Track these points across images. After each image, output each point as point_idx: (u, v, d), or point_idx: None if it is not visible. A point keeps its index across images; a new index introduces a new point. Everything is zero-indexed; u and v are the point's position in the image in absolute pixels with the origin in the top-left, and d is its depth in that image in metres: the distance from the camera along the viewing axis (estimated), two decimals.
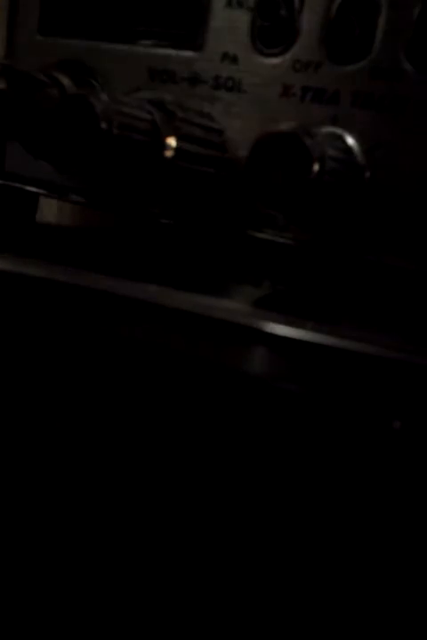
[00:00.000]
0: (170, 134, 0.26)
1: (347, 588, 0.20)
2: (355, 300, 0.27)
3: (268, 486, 0.21)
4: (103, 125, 0.24)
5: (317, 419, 0.20)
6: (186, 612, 0.22)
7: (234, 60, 0.28)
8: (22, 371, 0.24)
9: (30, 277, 0.24)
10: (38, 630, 0.23)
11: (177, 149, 0.26)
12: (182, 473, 0.21)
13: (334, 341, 0.21)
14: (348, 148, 0.26)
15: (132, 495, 0.22)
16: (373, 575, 0.20)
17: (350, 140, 0.26)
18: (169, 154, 0.26)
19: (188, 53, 0.29)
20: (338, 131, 0.26)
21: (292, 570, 0.21)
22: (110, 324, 0.22)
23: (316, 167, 0.24)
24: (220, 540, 0.21)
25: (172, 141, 0.26)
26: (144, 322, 0.22)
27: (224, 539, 0.21)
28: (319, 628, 0.21)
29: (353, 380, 0.20)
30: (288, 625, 0.21)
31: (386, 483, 0.20)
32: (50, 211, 0.49)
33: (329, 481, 0.20)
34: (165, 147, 0.26)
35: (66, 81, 0.24)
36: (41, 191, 0.33)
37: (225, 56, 0.28)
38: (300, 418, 0.20)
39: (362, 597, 0.20)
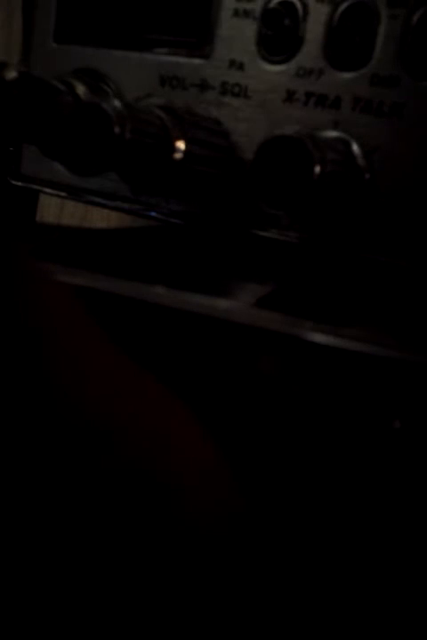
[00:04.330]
0: (179, 138, 0.27)
1: (347, 588, 0.20)
2: (355, 300, 0.27)
3: (268, 487, 0.21)
4: (116, 130, 0.24)
5: (317, 419, 0.20)
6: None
7: (240, 67, 0.28)
8: None
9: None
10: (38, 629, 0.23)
11: (186, 152, 0.27)
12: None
13: (334, 341, 0.20)
14: (348, 152, 0.26)
15: None
16: (373, 575, 0.20)
17: (351, 144, 0.26)
18: (178, 156, 0.27)
19: (196, 61, 0.29)
20: (339, 135, 0.26)
21: (291, 570, 0.20)
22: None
23: (317, 169, 0.24)
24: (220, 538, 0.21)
25: (181, 145, 0.27)
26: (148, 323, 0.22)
27: (225, 538, 0.21)
28: (318, 627, 0.20)
29: (353, 380, 0.20)
30: (286, 623, 0.20)
31: (386, 482, 0.19)
32: (49, 211, 0.49)
33: (329, 481, 0.20)
34: (174, 150, 0.27)
35: (80, 88, 0.25)
36: (60, 193, 0.34)
37: (232, 63, 0.29)
38: (300, 418, 0.20)
39: (362, 597, 0.20)
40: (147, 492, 0.16)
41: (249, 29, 0.28)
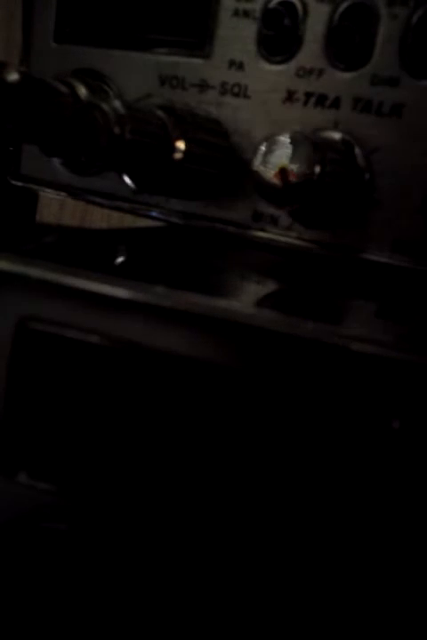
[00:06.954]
0: (179, 138, 0.27)
1: (347, 588, 0.20)
2: (355, 300, 0.27)
3: (268, 487, 0.21)
4: (116, 130, 0.24)
5: (316, 419, 0.20)
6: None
7: (240, 66, 0.28)
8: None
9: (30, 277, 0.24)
10: (38, 629, 0.23)
11: (186, 152, 0.27)
12: (182, 471, 0.22)
13: (334, 341, 0.20)
14: (348, 152, 0.26)
15: None
16: (373, 575, 0.20)
17: (351, 144, 0.26)
18: (178, 156, 0.27)
19: (196, 61, 0.29)
20: (339, 134, 0.27)
21: (291, 570, 0.21)
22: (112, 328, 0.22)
23: (317, 169, 0.24)
24: (220, 536, 0.21)
25: (181, 145, 0.27)
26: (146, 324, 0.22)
27: (225, 537, 0.21)
28: (317, 627, 0.20)
29: (352, 380, 0.19)
30: (285, 624, 0.21)
31: (386, 483, 0.19)
32: (49, 211, 0.49)
33: (329, 481, 0.20)
34: (174, 150, 0.27)
35: (81, 88, 0.25)
36: (60, 193, 0.34)
37: (232, 63, 0.29)
38: (299, 418, 0.20)
39: (362, 597, 0.20)
40: None
41: (249, 29, 0.28)
